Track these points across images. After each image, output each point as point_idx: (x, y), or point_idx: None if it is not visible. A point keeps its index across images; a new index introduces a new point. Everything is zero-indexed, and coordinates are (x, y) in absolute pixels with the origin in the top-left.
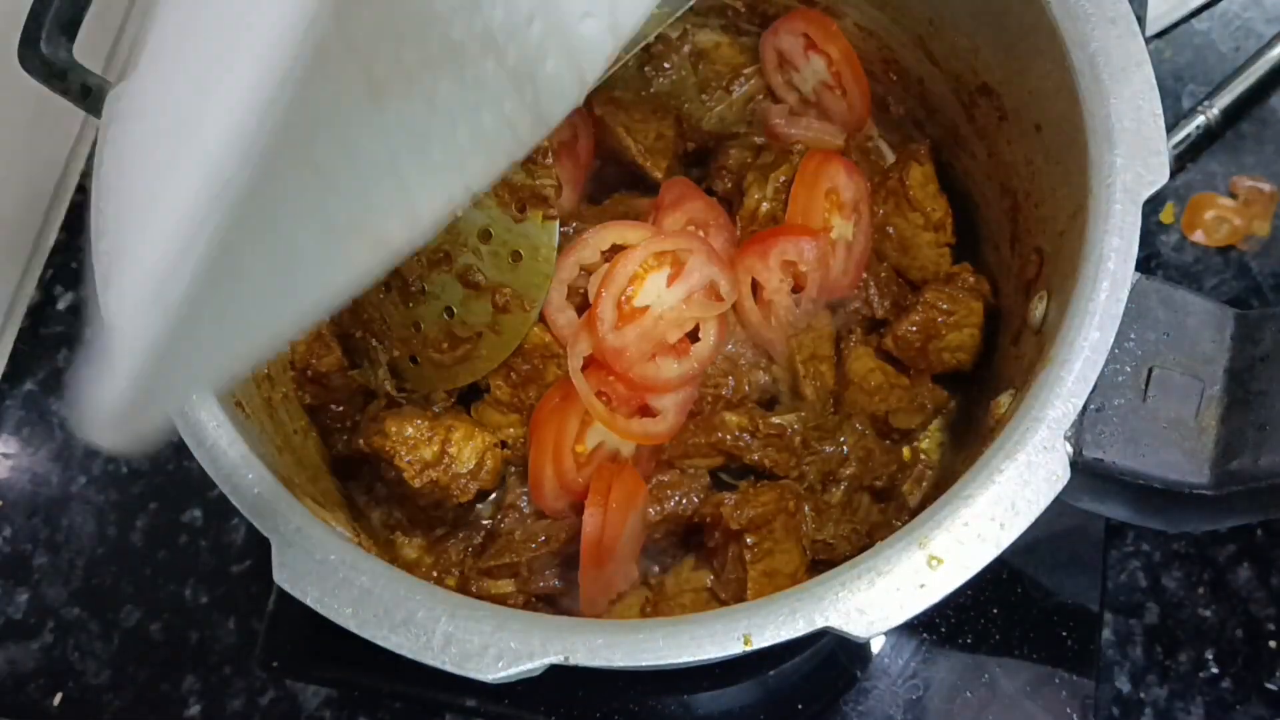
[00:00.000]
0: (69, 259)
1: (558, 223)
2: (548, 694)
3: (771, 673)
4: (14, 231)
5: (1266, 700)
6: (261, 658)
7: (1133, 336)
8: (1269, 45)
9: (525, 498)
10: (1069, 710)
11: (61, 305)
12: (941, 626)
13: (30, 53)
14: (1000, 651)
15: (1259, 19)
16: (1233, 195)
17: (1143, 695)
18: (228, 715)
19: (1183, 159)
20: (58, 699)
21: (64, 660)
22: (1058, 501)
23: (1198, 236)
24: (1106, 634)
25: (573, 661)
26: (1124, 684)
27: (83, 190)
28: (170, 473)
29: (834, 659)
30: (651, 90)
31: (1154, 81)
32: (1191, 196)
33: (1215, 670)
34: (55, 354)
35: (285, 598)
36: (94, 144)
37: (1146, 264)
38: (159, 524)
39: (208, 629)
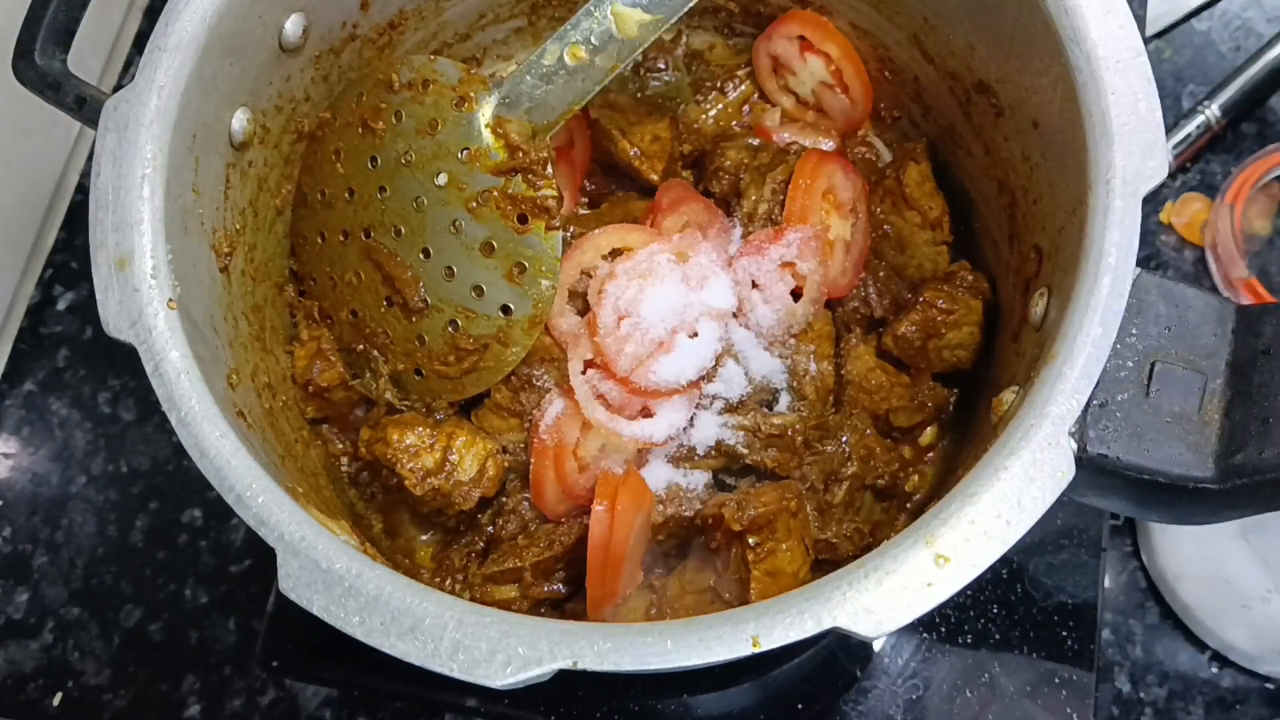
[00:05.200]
0: (69, 259)
1: (560, 233)
2: (547, 694)
3: (772, 673)
4: (14, 231)
5: (1266, 700)
6: (261, 658)
7: (1134, 331)
8: (1269, 45)
9: (527, 502)
10: (1069, 710)
11: (61, 305)
12: (941, 626)
13: (25, 64)
14: (1000, 651)
15: (1259, 19)
16: None
17: (1143, 695)
18: (228, 715)
19: (1183, 159)
20: (58, 699)
21: (64, 660)
22: (1061, 498)
23: (1188, 235)
24: (1106, 634)
25: (581, 666)
26: (1124, 684)
27: (82, 190)
28: (170, 473)
29: (834, 659)
30: (647, 93)
31: (1151, 74)
32: (1189, 196)
33: (1215, 670)
34: (55, 354)
35: (285, 598)
36: (94, 143)
37: (1146, 264)
38: (159, 524)
39: (208, 629)
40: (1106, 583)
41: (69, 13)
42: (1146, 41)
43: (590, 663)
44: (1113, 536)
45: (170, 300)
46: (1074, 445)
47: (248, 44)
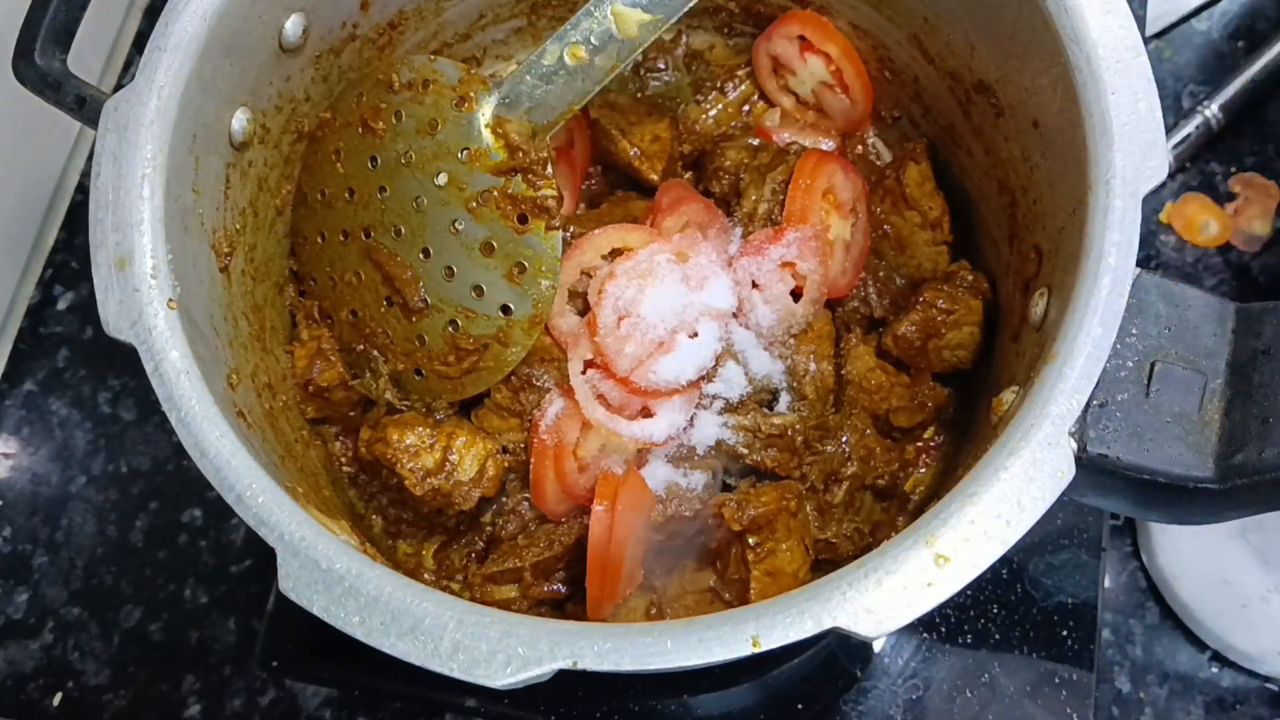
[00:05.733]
0: (69, 259)
1: (560, 233)
2: (547, 694)
3: (772, 673)
4: (14, 231)
5: (1266, 700)
6: (261, 658)
7: (1134, 331)
8: (1269, 45)
9: (527, 502)
10: (1069, 710)
11: (61, 305)
12: (941, 626)
13: (25, 64)
14: (1000, 651)
15: (1259, 19)
16: (1232, 194)
17: (1142, 695)
18: (228, 715)
19: (1183, 159)
20: (58, 699)
21: (64, 660)
22: (1061, 498)
23: (1188, 235)
24: (1106, 634)
25: (581, 666)
26: (1124, 684)
27: (82, 190)
28: (170, 473)
29: (834, 659)
30: (647, 93)
31: (1151, 74)
32: (1189, 196)
33: (1215, 670)
34: (55, 354)
35: (285, 598)
36: (94, 143)
37: (1146, 264)
38: (159, 524)
39: (208, 629)
40: (1106, 583)
41: (69, 13)
42: (1146, 41)
43: (590, 663)
44: (1113, 536)
45: (170, 300)
46: (1074, 445)
47: (248, 44)
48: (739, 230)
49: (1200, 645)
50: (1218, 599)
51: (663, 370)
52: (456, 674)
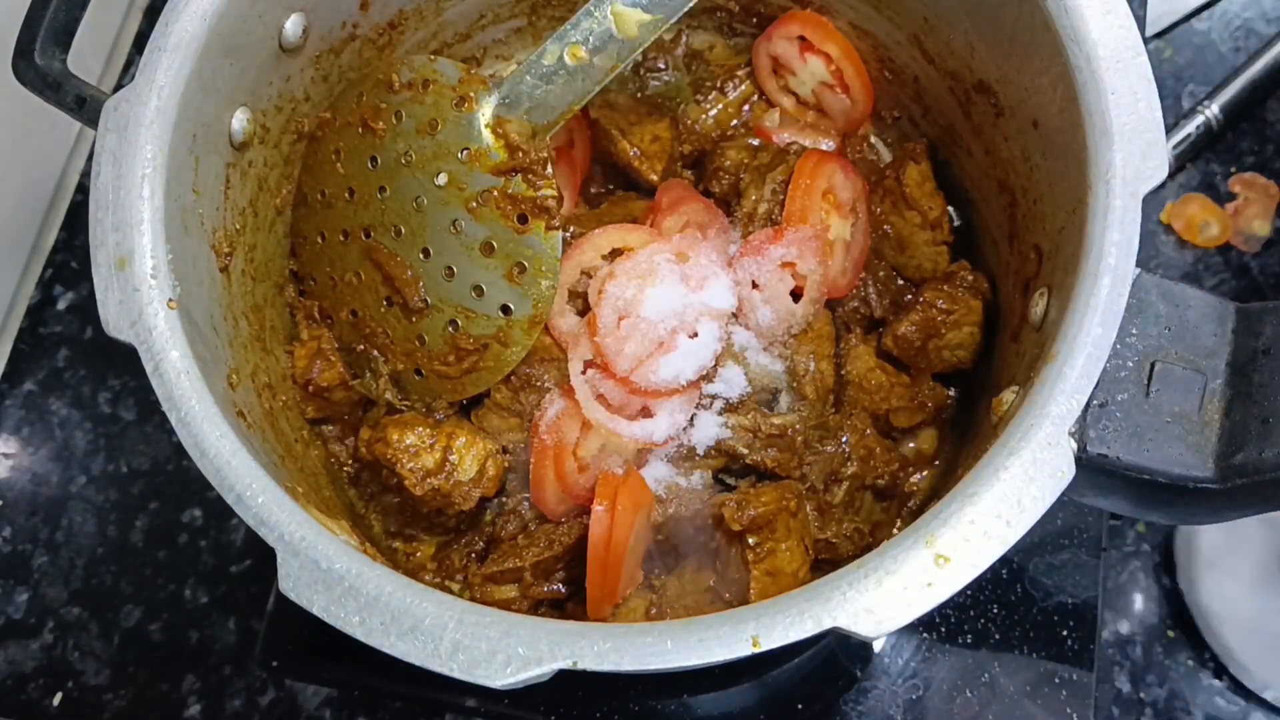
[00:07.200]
0: (69, 259)
1: (560, 233)
2: (547, 694)
3: (772, 673)
4: (14, 231)
5: (1266, 701)
6: (261, 658)
7: (1134, 331)
8: (1269, 45)
9: (527, 502)
10: (1069, 710)
11: (61, 305)
12: (941, 626)
13: (25, 64)
14: (1000, 651)
15: (1259, 19)
16: (1232, 194)
17: (1143, 695)
18: (228, 715)
19: (1183, 159)
20: (58, 699)
21: (64, 660)
22: (1061, 498)
23: (1188, 235)
24: (1106, 634)
25: (581, 666)
26: (1124, 684)
27: (82, 190)
28: (170, 473)
29: (834, 659)
30: (647, 93)
31: (1151, 74)
32: (1189, 196)
33: (1215, 670)
34: (55, 354)
35: (285, 598)
36: (94, 143)
37: (1146, 265)
38: (159, 524)
39: (208, 629)
40: (1106, 583)
41: (69, 13)
42: (1146, 41)
43: (590, 663)
44: (1114, 536)
45: (170, 300)
46: (1074, 445)
47: (248, 44)
48: (739, 230)
49: (1200, 646)
50: (1263, 646)
51: (663, 370)
52: (456, 674)
